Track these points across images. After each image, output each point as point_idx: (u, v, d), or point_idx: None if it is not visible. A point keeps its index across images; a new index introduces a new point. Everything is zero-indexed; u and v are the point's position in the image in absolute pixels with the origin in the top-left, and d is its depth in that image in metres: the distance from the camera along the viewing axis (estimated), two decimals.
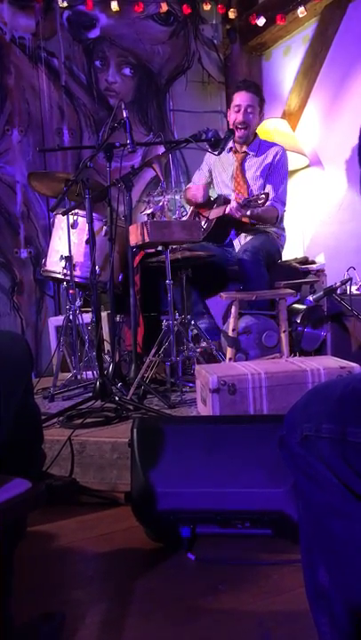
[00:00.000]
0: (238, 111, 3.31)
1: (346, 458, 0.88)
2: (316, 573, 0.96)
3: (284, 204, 3.40)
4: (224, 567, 1.57)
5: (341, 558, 0.91)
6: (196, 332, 3.11)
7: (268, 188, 3.37)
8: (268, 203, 3.06)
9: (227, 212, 3.17)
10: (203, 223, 3.38)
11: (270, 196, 3.32)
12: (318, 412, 0.93)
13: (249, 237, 3.39)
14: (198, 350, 2.93)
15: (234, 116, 3.34)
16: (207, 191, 3.43)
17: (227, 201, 3.35)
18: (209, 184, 3.62)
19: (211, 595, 1.44)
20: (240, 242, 3.43)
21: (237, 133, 3.31)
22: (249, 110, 3.30)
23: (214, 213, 3.32)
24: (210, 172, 3.58)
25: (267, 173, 3.37)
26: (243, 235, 3.42)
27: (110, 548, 1.73)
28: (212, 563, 1.59)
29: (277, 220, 3.38)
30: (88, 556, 1.71)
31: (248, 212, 3.12)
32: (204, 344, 3.02)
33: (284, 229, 3.51)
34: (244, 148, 3.42)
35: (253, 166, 3.39)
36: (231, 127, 3.31)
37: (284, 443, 0.98)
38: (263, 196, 2.89)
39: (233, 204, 3.14)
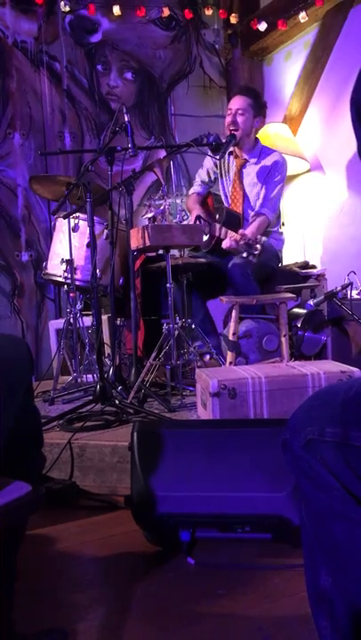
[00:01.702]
0: (230, 114, 3.34)
1: (348, 461, 0.88)
2: (318, 576, 0.96)
3: (273, 210, 3.33)
4: (224, 571, 1.57)
5: (343, 561, 0.91)
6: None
7: (262, 192, 3.35)
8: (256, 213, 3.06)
9: (224, 247, 3.14)
10: (205, 230, 3.37)
11: (259, 202, 3.31)
12: (321, 415, 0.93)
13: None
14: (207, 361, 2.93)
15: (227, 120, 3.36)
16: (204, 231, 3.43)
17: (229, 213, 3.33)
18: (212, 181, 3.61)
19: (210, 599, 1.44)
20: None
21: (230, 132, 3.32)
22: (239, 112, 3.31)
23: (217, 231, 3.25)
24: (211, 171, 3.58)
25: (265, 179, 3.37)
26: None
27: (110, 552, 1.72)
28: (212, 567, 1.59)
29: (268, 226, 3.35)
30: (87, 559, 1.71)
31: (244, 253, 3.04)
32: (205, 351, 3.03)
33: (281, 233, 3.51)
34: (245, 155, 3.42)
35: (252, 173, 3.39)
36: (226, 131, 3.33)
37: (287, 446, 0.98)
38: (258, 247, 2.73)
39: (228, 242, 3.10)
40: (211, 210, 3.50)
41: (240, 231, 2.96)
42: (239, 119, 3.30)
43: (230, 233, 3.10)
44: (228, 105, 3.41)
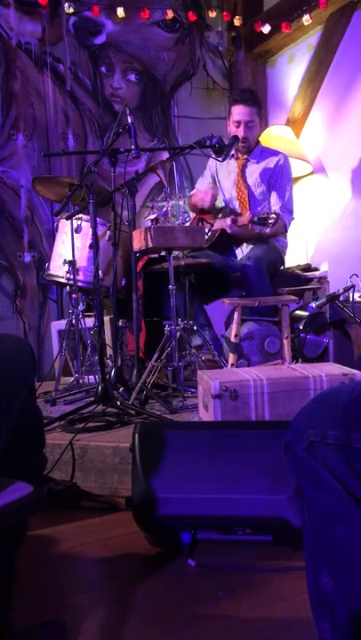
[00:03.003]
0: (238, 127, 3.30)
1: (350, 464, 0.88)
2: (320, 579, 0.96)
3: (291, 212, 3.38)
4: (224, 573, 1.57)
5: (344, 564, 0.91)
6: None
7: (273, 198, 3.36)
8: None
9: (223, 227, 3.17)
10: (206, 230, 3.38)
11: (276, 207, 3.32)
12: (324, 417, 0.93)
13: (251, 246, 3.39)
14: (203, 358, 2.93)
15: (235, 131, 3.32)
16: (215, 197, 3.42)
17: (233, 212, 3.35)
18: (212, 189, 3.62)
19: (211, 601, 1.44)
20: (242, 251, 3.44)
21: (241, 145, 3.31)
22: (249, 125, 3.30)
23: (219, 224, 3.31)
24: (213, 177, 3.59)
25: (268, 180, 3.37)
26: (244, 244, 3.43)
27: (111, 553, 1.72)
28: (213, 569, 1.59)
29: (286, 230, 3.37)
30: (88, 560, 1.71)
31: (257, 230, 3.10)
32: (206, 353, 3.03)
33: (286, 236, 3.52)
34: (246, 156, 3.43)
35: (255, 173, 3.40)
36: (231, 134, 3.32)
37: (289, 448, 0.98)
38: (274, 216, 2.84)
39: (227, 221, 3.14)
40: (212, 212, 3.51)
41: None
42: (250, 132, 3.30)
43: (242, 217, 3.12)
44: (231, 112, 3.34)
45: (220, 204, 3.60)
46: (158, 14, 4.33)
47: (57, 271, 3.01)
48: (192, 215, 3.55)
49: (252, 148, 3.41)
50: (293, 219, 3.42)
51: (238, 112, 3.31)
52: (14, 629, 1.20)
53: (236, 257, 3.43)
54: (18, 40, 4.01)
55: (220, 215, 3.40)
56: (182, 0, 4.42)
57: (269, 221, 2.85)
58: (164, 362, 2.75)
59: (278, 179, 3.36)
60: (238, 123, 3.30)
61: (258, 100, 3.39)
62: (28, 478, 1.15)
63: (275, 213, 2.87)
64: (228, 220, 3.15)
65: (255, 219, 2.96)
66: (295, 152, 3.97)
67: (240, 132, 3.29)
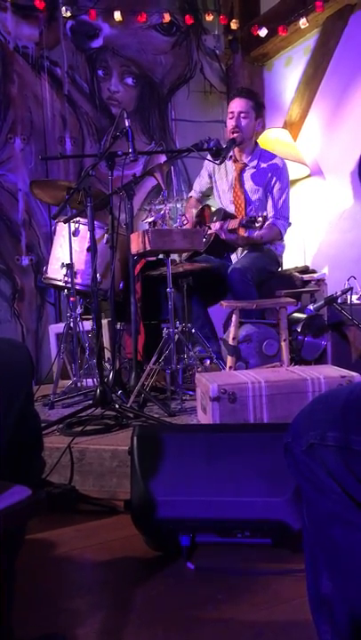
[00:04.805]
0: (232, 117, 3.33)
1: (349, 466, 0.88)
2: (319, 581, 0.96)
3: (286, 218, 3.37)
4: (224, 576, 1.56)
5: (344, 566, 0.91)
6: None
7: (269, 204, 3.36)
8: (268, 222, 3.07)
9: (214, 230, 3.18)
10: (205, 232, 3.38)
11: (271, 214, 3.31)
12: (323, 420, 0.93)
13: (244, 252, 3.39)
14: (207, 365, 2.93)
15: (229, 124, 3.35)
16: (199, 206, 3.45)
17: (227, 214, 3.35)
18: (210, 189, 3.62)
19: (210, 604, 1.43)
20: (237, 255, 3.43)
21: (233, 136, 3.31)
22: (242, 115, 3.31)
23: (213, 227, 3.32)
24: (210, 177, 3.59)
25: (265, 184, 3.37)
26: (239, 249, 3.43)
27: (109, 557, 1.72)
28: (212, 572, 1.59)
29: (282, 237, 3.37)
30: (87, 564, 1.71)
31: (246, 234, 3.12)
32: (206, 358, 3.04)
33: (282, 239, 3.51)
34: (244, 159, 3.43)
35: (252, 178, 3.40)
36: (229, 134, 3.32)
37: (288, 450, 0.98)
38: (260, 219, 2.88)
39: (216, 225, 3.14)
40: (207, 218, 3.51)
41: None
42: (242, 122, 3.30)
43: (233, 220, 3.16)
44: (228, 107, 3.40)
45: (213, 203, 3.60)
46: (155, 18, 4.34)
47: (55, 274, 3.01)
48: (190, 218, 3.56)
49: (250, 147, 3.40)
50: (290, 224, 3.41)
51: (233, 105, 3.35)
52: (14, 635, 1.20)
53: (231, 261, 3.43)
54: (15, 44, 4.01)
55: (215, 218, 3.40)
56: (179, 4, 4.44)
57: (256, 224, 2.87)
58: (162, 365, 2.75)
59: (275, 184, 3.36)
60: (232, 114, 3.32)
61: (255, 96, 3.42)
62: (27, 482, 1.14)
63: (262, 216, 2.88)
64: (217, 225, 3.17)
65: (244, 221, 2.97)
66: (292, 155, 3.98)
67: (232, 122, 3.30)
